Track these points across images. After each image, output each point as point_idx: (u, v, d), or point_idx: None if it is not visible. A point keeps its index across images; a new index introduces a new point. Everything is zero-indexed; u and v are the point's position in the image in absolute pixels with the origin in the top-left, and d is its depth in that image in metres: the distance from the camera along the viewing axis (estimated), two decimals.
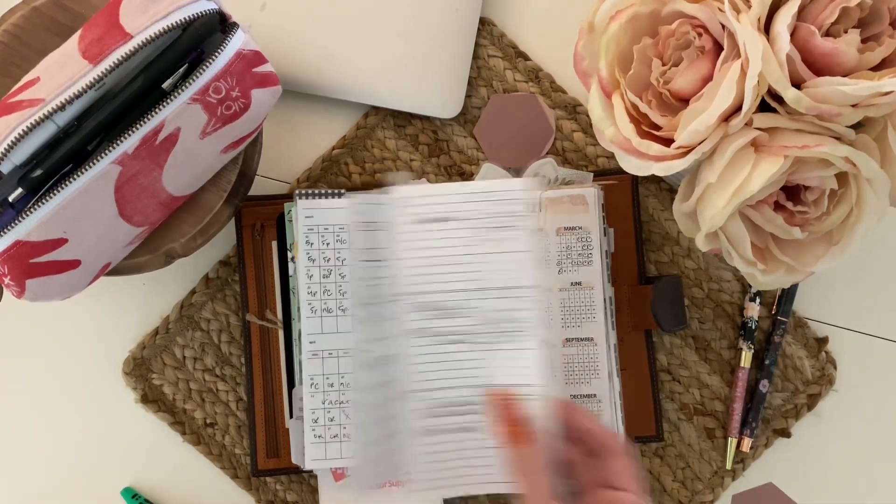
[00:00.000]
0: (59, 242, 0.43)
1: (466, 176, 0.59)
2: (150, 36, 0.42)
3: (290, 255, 0.54)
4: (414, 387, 0.46)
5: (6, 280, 0.43)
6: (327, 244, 0.53)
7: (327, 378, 0.52)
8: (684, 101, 0.44)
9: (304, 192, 0.53)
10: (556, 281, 0.54)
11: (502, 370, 0.46)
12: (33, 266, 0.42)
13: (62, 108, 0.41)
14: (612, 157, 0.58)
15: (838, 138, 0.42)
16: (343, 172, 0.59)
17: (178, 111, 0.43)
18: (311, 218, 0.53)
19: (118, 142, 0.42)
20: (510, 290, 0.47)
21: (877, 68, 0.41)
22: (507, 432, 0.43)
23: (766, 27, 0.41)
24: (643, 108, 0.44)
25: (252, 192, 0.52)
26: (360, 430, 0.48)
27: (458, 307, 0.47)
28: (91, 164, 0.42)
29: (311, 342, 0.52)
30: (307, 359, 0.52)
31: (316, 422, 0.52)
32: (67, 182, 0.42)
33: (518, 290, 0.47)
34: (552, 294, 0.48)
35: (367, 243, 0.48)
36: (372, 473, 0.47)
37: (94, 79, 0.41)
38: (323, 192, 0.54)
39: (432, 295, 0.46)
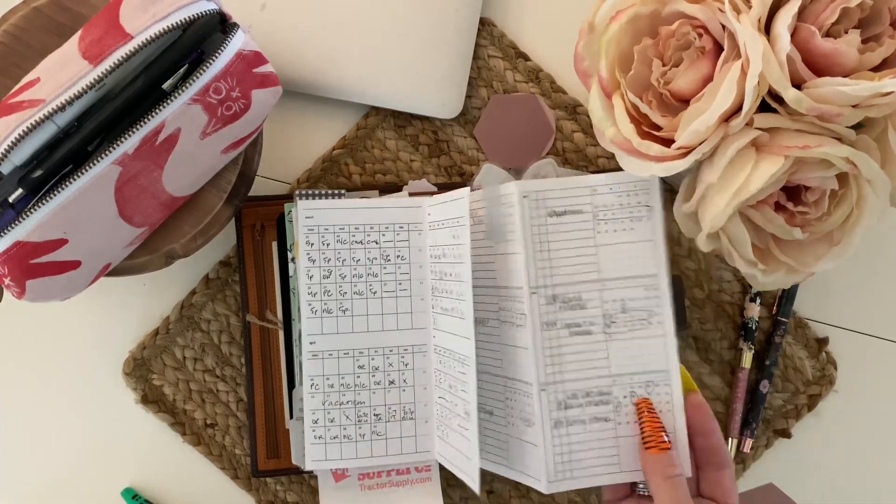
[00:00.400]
0: (60, 243, 0.43)
1: (467, 176, 0.59)
2: (151, 36, 0.42)
3: (290, 255, 0.54)
4: (547, 378, 0.47)
5: (6, 281, 0.43)
6: (327, 245, 0.53)
7: (327, 379, 0.52)
8: (685, 102, 0.44)
9: (304, 192, 0.53)
10: None
11: (632, 359, 0.48)
12: (33, 267, 0.42)
13: (62, 108, 0.41)
14: (612, 157, 0.58)
15: (839, 139, 0.42)
16: (343, 173, 0.59)
17: (179, 112, 0.43)
18: (311, 218, 0.53)
19: (118, 142, 0.42)
20: (634, 279, 0.48)
21: (877, 69, 0.41)
22: (647, 437, 0.45)
23: (767, 28, 0.41)
24: (643, 108, 0.44)
25: (252, 193, 0.52)
26: (496, 424, 0.49)
27: (585, 298, 0.47)
28: (91, 164, 0.42)
29: (311, 343, 0.52)
30: (307, 359, 0.52)
31: (316, 422, 0.52)
32: (67, 183, 0.42)
33: (642, 280, 0.48)
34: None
35: (353, 245, 0.51)
36: (506, 468, 0.48)
37: (94, 79, 0.41)
38: (323, 192, 0.54)
39: (560, 287, 0.47)
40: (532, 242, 0.47)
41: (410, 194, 0.56)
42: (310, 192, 0.53)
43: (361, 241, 0.53)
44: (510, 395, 0.49)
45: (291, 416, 0.55)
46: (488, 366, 0.51)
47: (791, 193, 0.44)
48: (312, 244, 0.53)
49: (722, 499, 0.46)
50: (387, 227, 0.54)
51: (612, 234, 0.48)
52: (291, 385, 0.55)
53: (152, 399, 0.57)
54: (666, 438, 0.45)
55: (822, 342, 0.59)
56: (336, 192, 0.54)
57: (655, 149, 0.44)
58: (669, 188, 0.59)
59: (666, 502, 0.44)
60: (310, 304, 0.53)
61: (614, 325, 0.48)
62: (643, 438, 0.46)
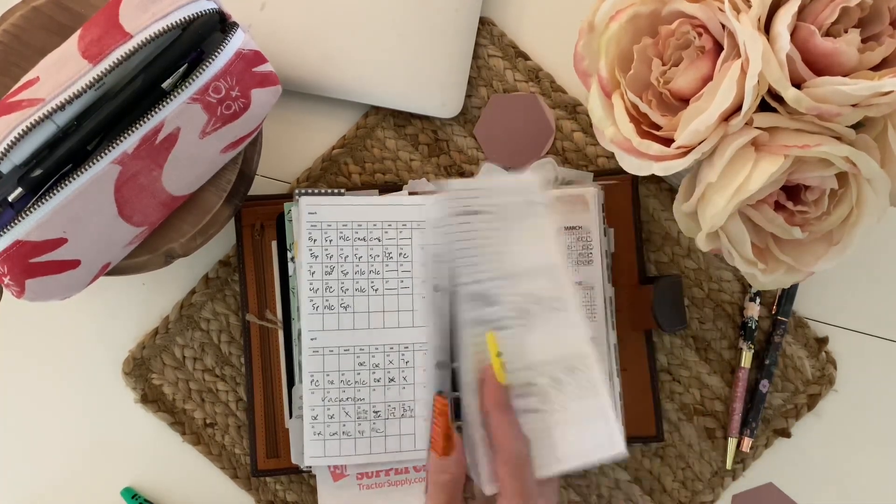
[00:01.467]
0: (59, 242, 0.43)
1: (466, 176, 0.59)
2: (150, 35, 0.42)
3: (290, 254, 0.54)
4: (471, 377, 0.47)
5: (6, 280, 0.43)
6: (330, 241, 0.53)
7: (328, 375, 0.52)
8: (684, 101, 0.44)
9: (304, 190, 0.53)
10: None
11: (550, 346, 0.48)
12: (33, 266, 0.42)
13: (62, 107, 0.41)
14: (612, 156, 0.58)
15: (838, 138, 0.42)
16: (343, 172, 0.59)
17: (178, 111, 0.43)
18: (314, 214, 0.52)
19: (118, 141, 0.42)
20: (541, 270, 0.49)
21: (877, 68, 0.41)
22: (435, 438, 0.45)
23: (767, 27, 0.41)
24: (643, 107, 0.44)
25: (252, 192, 0.52)
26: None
27: (492, 294, 0.48)
28: (91, 163, 0.42)
29: (312, 339, 0.52)
30: (308, 355, 0.52)
31: (315, 419, 0.52)
32: (67, 182, 0.42)
33: (548, 270, 0.49)
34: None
35: (356, 242, 0.52)
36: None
37: (93, 78, 0.41)
38: (323, 191, 0.54)
39: (477, 284, 0.48)
40: (449, 242, 0.48)
41: (410, 193, 0.56)
42: (310, 190, 0.53)
43: (364, 238, 0.53)
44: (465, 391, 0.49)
45: (291, 416, 0.55)
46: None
47: (791, 193, 0.44)
48: (315, 240, 0.53)
49: (500, 489, 0.44)
50: (389, 225, 0.54)
51: (513, 232, 0.49)
52: (291, 384, 0.55)
53: (152, 398, 0.57)
54: (451, 443, 0.45)
55: (822, 342, 0.59)
56: (336, 191, 0.54)
57: (655, 148, 0.44)
58: (669, 187, 0.59)
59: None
60: (311, 300, 0.52)
61: (529, 315, 0.48)
62: (433, 438, 0.46)
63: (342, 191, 0.54)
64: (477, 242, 0.49)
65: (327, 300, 0.53)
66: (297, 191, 0.53)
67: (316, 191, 0.54)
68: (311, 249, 0.52)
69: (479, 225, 0.49)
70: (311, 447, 0.52)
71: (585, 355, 0.48)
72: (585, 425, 0.48)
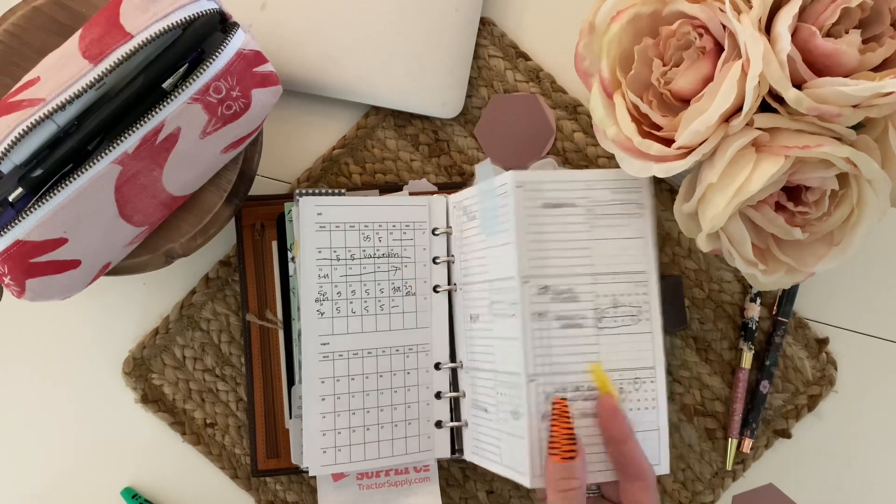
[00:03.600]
0: (60, 242, 0.43)
1: (467, 176, 0.59)
2: (151, 35, 0.42)
3: (290, 254, 0.54)
4: (537, 370, 0.46)
5: (6, 280, 0.43)
6: (335, 242, 0.53)
7: (337, 381, 0.52)
8: (685, 102, 0.44)
9: (304, 191, 0.53)
10: None
11: (620, 354, 0.47)
12: (33, 266, 0.42)
13: (62, 107, 0.41)
14: (612, 157, 0.58)
15: (839, 139, 0.42)
16: (343, 172, 0.59)
17: (179, 111, 0.43)
18: (321, 215, 0.52)
19: (118, 141, 0.42)
20: (625, 275, 0.48)
21: (878, 69, 0.41)
22: (554, 441, 0.43)
23: (767, 28, 0.41)
24: (644, 108, 0.44)
25: (252, 192, 0.52)
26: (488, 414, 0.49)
27: (577, 291, 0.47)
28: (91, 163, 0.42)
29: (323, 344, 0.51)
30: (318, 361, 0.51)
31: (325, 429, 0.52)
32: (67, 182, 0.42)
33: (632, 276, 0.48)
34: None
35: (361, 242, 0.51)
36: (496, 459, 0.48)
37: (94, 78, 0.41)
38: (323, 191, 0.54)
39: (553, 278, 0.47)
40: (525, 232, 0.47)
41: (410, 194, 0.56)
42: (310, 190, 0.53)
43: (369, 238, 0.53)
44: (500, 388, 0.49)
45: (291, 416, 0.55)
46: (480, 361, 0.51)
47: (791, 193, 0.44)
48: (321, 240, 0.52)
49: None
50: (393, 226, 0.54)
51: (605, 230, 0.48)
52: (291, 383, 0.55)
53: (152, 398, 0.57)
54: (575, 447, 0.43)
55: (822, 342, 0.59)
56: (336, 191, 0.54)
57: (656, 148, 0.44)
58: (669, 188, 0.59)
59: None
60: (319, 304, 0.52)
61: (605, 319, 0.48)
62: (549, 443, 0.44)
63: (343, 191, 0.54)
64: (562, 236, 0.47)
65: (336, 304, 0.52)
66: (297, 191, 0.53)
67: (315, 191, 0.54)
68: (319, 250, 0.52)
69: (570, 218, 0.47)
70: (320, 457, 0.51)
71: (654, 369, 0.48)
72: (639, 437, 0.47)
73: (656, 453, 0.48)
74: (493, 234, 0.48)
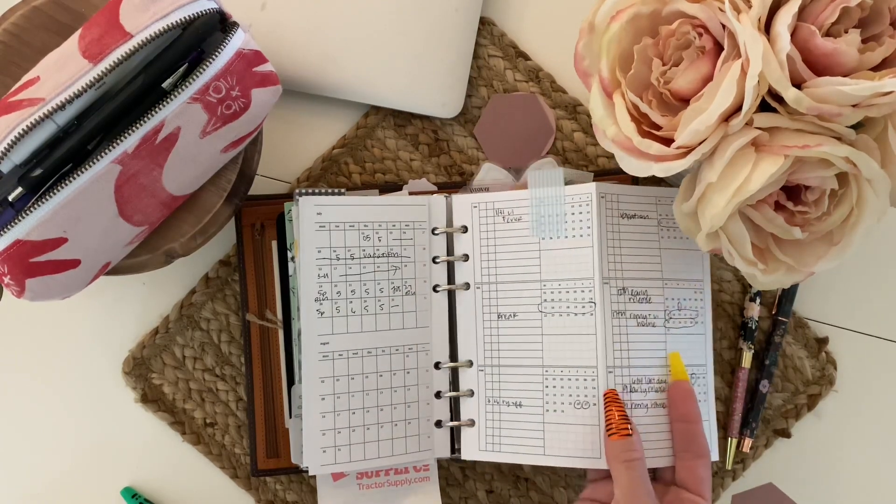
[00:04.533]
0: (59, 242, 0.43)
1: (467, 176, 0.59)
2: (151, 35, 0.42)
3: (290, 254, 0.54)
4: (613, 362, 0.51)
5: (6, 279, 0.43)
6: (335, 241, 0.53)
7: (337, 380, 0.52)
8: (685, 101, 0.44)
9: (304, 190, 0.53)
10: None
11: (682, 352, 0.52)
12: (33, 265, 0.42)
13: (62, 107, 0.41)
14: (612, 156, 0.58)
15: (839, 138, 0.42)
16: (343, 172, 0.59)
17: (178, 110, 0.43)
18: (321, 215, 0.52)
19: (118, 141, 0.42)
20: (687, 282, 0.54)
21: (877, 68, 0.41)
22: (610, 424, 0.48)
23: (767, 27, 0.41)
24: (643, 107, 0.44)
25: (252, 192, 0.52)
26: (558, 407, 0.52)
27: (651, 293, 0.52)
28: (91, 163, 0.42)
29: (323, 343, 0.52)
30: (318, 361, 0.51)
31: (325, 428, 0.52)
32: (67, 181, 0.42)
33: (692, 283, 0.54)
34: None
35: (361, 242, 0.53)
36: (570, 449, 0.51)
37: (94, 78, 0.41)
38: (323, 191, 0.54)
39: (629, 281, 0.52)
40: (606, 238, 0.51)
41: (410, 193, 0.56)
42: (310, 190, 0.53)
43: (369, 238, 0.53)
44: (554, 382, 0.52)
45: (291, 415, 0.55)
46: (511, 358, 0.53)
47: (791, 193, 0.44)
48: (321, 240, 0.52)
49: (694, 487, 0.48)
50: (393, 225, 0.54)
51: (672, 241, 0.53)
52: (291, 383, 0.55)
53: (152, 398, 0.57)
54: (629, 426, 0.48)
55: (822, 342, 0.59)
56: (336, 190, 0.54)
57: (655, 148, 0.44)
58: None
59: (624, 484, 0.46)
60: (318, 304, 0.52)
61: (672, 320, 0.53)
62: (607, 426, 0.48)
63: (342, 190, 0.54)
64: (637, 244, 0.52)
65: (336, 304, 0.52)
66: (297, 191, 0.53)
67: (315, 190, 0.54)
68: (319, 250, 0.52)
69: (643, 228, 0.53)
70: (320, 456, 0.51)
71: (705, 366, 0.53)
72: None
73: (707, 441, 0.51)
74: (558, 237, 0.52)
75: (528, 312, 0.53)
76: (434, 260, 0.54)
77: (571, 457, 0.51)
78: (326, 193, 0.53)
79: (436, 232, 0.54)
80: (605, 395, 0.50)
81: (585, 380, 0.51)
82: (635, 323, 0.52)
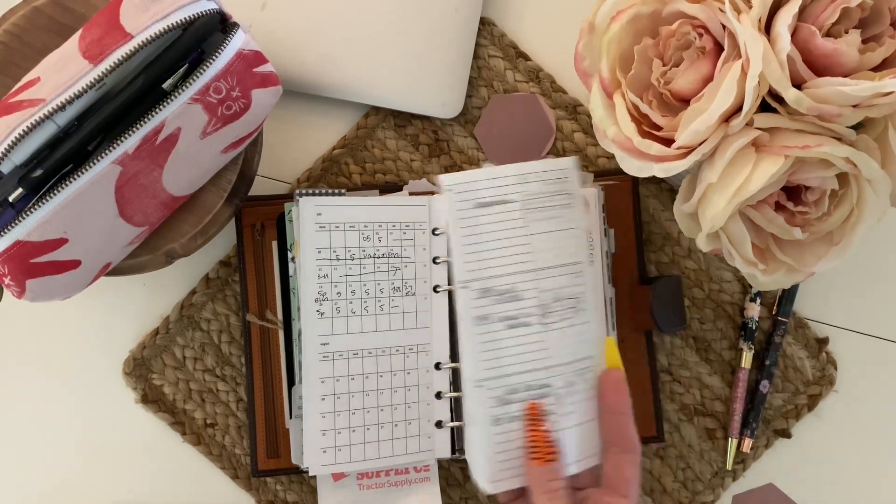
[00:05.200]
0: (60, 242, 0.43)
1: None
2: (151, 36, 0.42)
3: (290, 254, 0.54)
4: (484, 374, 0.46)
5: (6, 280, 0.43)
6: (335, 242, 0.53)
7: (337, 381, 0.52)
8: (685, 102, 0.44)
9: (304, 191, 0.53)
10: None
11: (567, 347, 0.47)
12: (33, 266, 0.42)
13: (62, 107, 0.41)
14: (612, 157, 0.58)
15: (839, 139, 0.42)
16: (343, 172, 0.59)
17: (179, 111, 0.43)
18: (321, 215, 0.52)
19: (118, 142, 0.42)
20: (563, 267, 0.47)
21: (877, 69, 0.41)
22: (534, 445, 0.44)
23: (767, 27, 0.41)
24: (644, 108, 0.44)
25: (252, 192, 0.52)
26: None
27: (521, 289, 0.46)
28: (91, 164, 0.42)
29: (323, 344, 0.51)
30: (318, 361, 0.51)
31: (325, 428, 0.52)
32: (68, 182, 0.42)
33: (569, 267, 0.47)
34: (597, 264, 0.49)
35: (361, 242, 0.51)
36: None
37: (94, 79, 0.41)
38: (323, 191, 0.54)
39: (492, 280, 0.46)
40: (460, 236, 0.46)
41: (410, 194, 0.56)
42: (310, 190, 0.53)
43: (369, 238, 0.53)
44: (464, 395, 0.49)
45: (291, 416, 0.55)
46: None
47: (791, 193, 0.44)
48: (321, 241, 0.52)
49: (619, 485, 0.44)
50: (393, 226, 0.54)
51: (542, 223, 0.47)
52: (291, 383, 0.55)
53: (152, 399, 0.57)
54: (553, 448, 0.44)
55: (822, 342, 0.59)
56: (336, 191, 0.54)
57: (656, 148, 0.44)
58: (669, 188, 0.59)
59: None
60: (318, 304, 0.52)
61: (550, 314, 0.47)
62: (529, 447, 0.44)
63: (343, 191, 0.54)
64: (500, 234, 0.46)
65: (336, 304, 0.52)
66: (297, 191, 0.53)
67: (315, 191, 0.54)
68: (319, 250, 0.52)
69: (506, 215, 0.46)
70: (320, 457, 0.51)
71: (593, 357, 0.48)
72: (593, 427, 0.48)
73: (596, 443, 0.47)
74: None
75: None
76: (435, 260, 0.54)
77: (473, 473, 0.47)
78: (327, 194, 0.53)
79: (436, 232, 0.54)
80: (526, 411, 0.45)
81: (465, 394, 0.47)
82: (504, 326, 0.46)
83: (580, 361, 0.48)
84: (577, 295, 0.48)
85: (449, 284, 0.54)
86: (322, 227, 0.52)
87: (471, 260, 0.46)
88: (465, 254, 0.46)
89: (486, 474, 0.45)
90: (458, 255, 0.47)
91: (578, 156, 0.59)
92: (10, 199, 0.42)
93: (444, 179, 0.47)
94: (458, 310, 0.46)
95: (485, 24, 0.59)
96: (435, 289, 0.54)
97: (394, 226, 0.53)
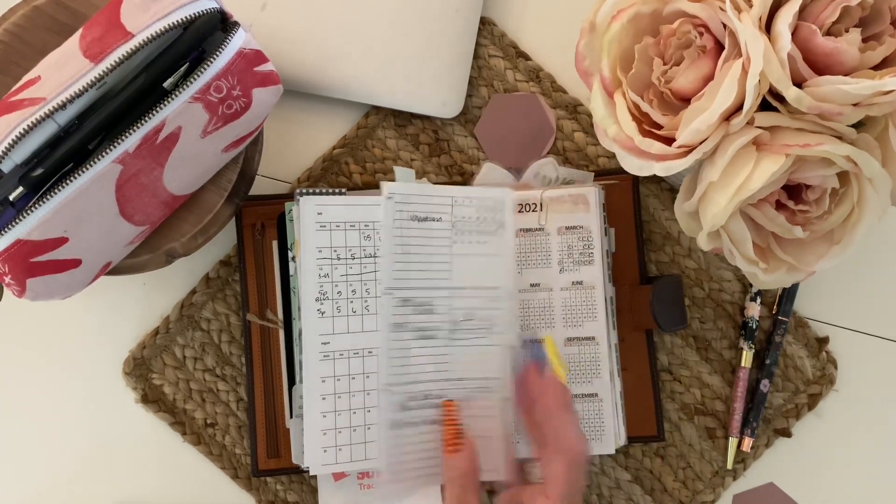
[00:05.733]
0: (60, 241, 0.42)
1: (467, 175, 0.59)
2: (151, 35, 0.42)
3: (290, 254, 0.54)
4: (392, 380, 0.49)
5: (7, 279, 0.43)
6: (336, 241, 0.52)
7: (338, 380, 0.52)
8: (686, 101, 0.44)
9: (304, 190, 0.53)
10: (557, 280, 0.54)
11: (472, 365, 0.49)
12: (34, 265, 0.42)
13: (63, 106, 0.41)
14: (613, 156, 0.58)
15: (840, 137, 0.42)
16: (344, 172, 0.59)
17: (179, 110, 0.43)
18: (321, 215, 0.52)
19: (119, 141, 0.42)
20: (481, 290, 0.50)
21: (878, 67, 0.41)
22: (446, 438, 0.46)
23: (768, 26, 0.41)
24: (645, 107, 0.44)
25: (253, 192, 0.52)
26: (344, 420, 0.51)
27: (436, 304, 0.49)
28: (92, 162, 0.42)
29: (324, 343, 0.51)
30: (318, 360, 0.51)
31: (325, 428, 0.52)
32: (68, 181, 0.42)
33: (487, 291, 0.50)
34: (516, 298, 0.52)
35: (362, 241, 0.52)
36: (354, 464, 0.50)
37: (95, 77, 0.41)
38: (323, 191, 0.54)
39: (412, 291, 0.49)
40: (393, 244, 0.49)
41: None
42: (311, 190, 0.53)
43: (370, 237, 0.53)
44: (369, 394, 0.51)
45: (291, 416, 0.55)
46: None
47: (792, 192, 0.44)
48: (321, 240, 0.52)
49: (545, 482, 0.44)
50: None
51: (466, 245, 0.50)
52: (292, 383, 0.55)
53: (152, 398, 0.57)
54: (460, 441, 0.46)
55: (823, 341, 0.59)
56: (336, 190, 0.54)
57: (656, 147, 0.44)
58: (670, 187, 0.59)
59: (448, 499, 0.45)
60: (319, 303, 0.52)
61: (458, 331, 0.50)
62: (444, 440, 0.47)
63: (343, 190, 0.54)
64: (426, 250, 0.49)
65: (337, 304, 0.52)
66: (297, 190, 0.53)
67: (316, 190, 0.54)
68: (319, 249, 0.52)
69: (436, 232, 0.49)
70: (320, 456, 0.51)
71: (499, 380, 0.50)
72: (490, 444, 0.49)
73: (497, 459, 0.49)
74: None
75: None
76: None
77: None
78: (326, 194, 0.53)
79: None
80: (441, 406, 0.48)
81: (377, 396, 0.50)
82: (415, 335, 0.49)
83: (483, 381, 0.50)
84: (490, 318, 0.51)
85: None
86: (323, 226, 0.52)
87: (398, 269, 0.49)
88: (393, 262, 0.49)
89: (382, 476, 0.48)
90: (386, 261, 0.49)
91: (578, 155, 0.59)
92: (11, 198, 0.42)
93: (388, 187, 0.49)
94: (379, 314, 0.49)
95: (485, 23, 0.59)
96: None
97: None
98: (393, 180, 0.53)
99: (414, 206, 0.49)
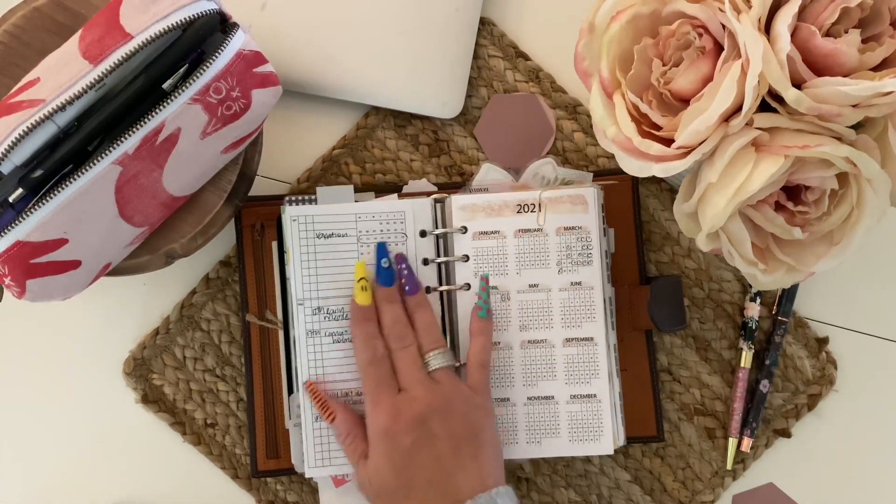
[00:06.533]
0: (60, 243, 0.43)
1: (467, 176, 0.59)
2: (151, 36, 0.42)
3: (286, 258, 0.54)
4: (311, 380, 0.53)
5: (6, 280, 0.43)
6: (324, 249, 0.53)
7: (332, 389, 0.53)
8: (685, 102, 0.44)
9: (292, 198, 0.54)
10: (556, 281, 0.54)
11: None
12: (34, 266, 0.42)
13: (62, 108, 0.41)
14: (612, 157, 0.58)
15: (839, 138, 0.42)
16: (343, 172, 0.59)
17: (179, 111, 0.43)
18: (308, 223, 0.53)
19: (118, 142, 0.42)
20: None
21: (877, 68, 0.41)
22: (320, 413, 0.52)
23: (767, 27, 0.41)
24: (644, 108, 0.44)
25: (252, 193, 0.52)
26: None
27: (346, 311, 0.53)
28: (91, 164, 0.42)
29: (317, 352, 0.53)
30: (311, 369, 0.53)
31: (322, 430, 0.52)
32: (68, 182, 0.42)
33: None
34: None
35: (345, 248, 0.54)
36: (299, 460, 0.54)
37: (94, 79, 0.41)
38: (313, 198, 0.54)
39: (324, 300, 0.53)
40: (301, 260, 0.53)
41: (407, 194, 0.56)
42: (299, 197, 0.54)
43: (361, 242, 0.54)
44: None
45: (290, 419, 0.55)
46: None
47: (791, 193, 0.44)
48: (309, 248, 0.53)
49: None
50: (381, 230, 0.54)
51: (372, 256, 0.53)
52: (290, 390, 0.55)
53: (152, 399, 0.57)
54: (330, 410, 0.52)
55: (822, 342, 0.59)
56: (343, 186, 0.55)
57: (655, 148, 0.44)
58: (669, 188, 0.59)
59: (347, 455, 0.51)
60: (311, 309, 0.53)
61: None
62: (321, 412, 0.52)
63: (349, 185, 0.55)
64: (336, 263, 0.53)
65: (329, 311, 0.53)
66: (286, 199, 0.53)
67: (306, 197, 0.54)
68: (307, 257, 0.53)
69: (342, 247, 0.53)
70: (320, 466, 0.53)
71: None
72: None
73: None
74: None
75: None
76: (424, 262, 0.54)
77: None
78: (315, 201, 0.54)
79: (425, 235, 0.54)
80: (307, 387, 0.53)
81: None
82: (331, 340, 0.53)
83: None
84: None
85: (441, 286, 0.54)
86: (309, 234, 0.53)
87: (307, 282, 0.53)
88: (302, 276, 0.53)
89: (307, 462, 0.53)
90: (297, 276, 0.53)
91: (578, 155, 0.59)
92: (10, 199, 0.42)
93: (290, 210, 0.53)
94: (293, 323, 0.53)
95: (485, 24, 0.59)
96: (427, 290, 0.54)
97: (381, 230, 0.54)
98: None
99: (318, 225, 0.53)
